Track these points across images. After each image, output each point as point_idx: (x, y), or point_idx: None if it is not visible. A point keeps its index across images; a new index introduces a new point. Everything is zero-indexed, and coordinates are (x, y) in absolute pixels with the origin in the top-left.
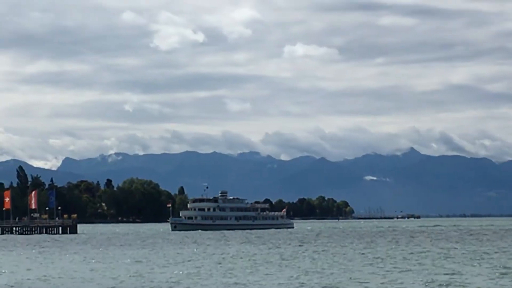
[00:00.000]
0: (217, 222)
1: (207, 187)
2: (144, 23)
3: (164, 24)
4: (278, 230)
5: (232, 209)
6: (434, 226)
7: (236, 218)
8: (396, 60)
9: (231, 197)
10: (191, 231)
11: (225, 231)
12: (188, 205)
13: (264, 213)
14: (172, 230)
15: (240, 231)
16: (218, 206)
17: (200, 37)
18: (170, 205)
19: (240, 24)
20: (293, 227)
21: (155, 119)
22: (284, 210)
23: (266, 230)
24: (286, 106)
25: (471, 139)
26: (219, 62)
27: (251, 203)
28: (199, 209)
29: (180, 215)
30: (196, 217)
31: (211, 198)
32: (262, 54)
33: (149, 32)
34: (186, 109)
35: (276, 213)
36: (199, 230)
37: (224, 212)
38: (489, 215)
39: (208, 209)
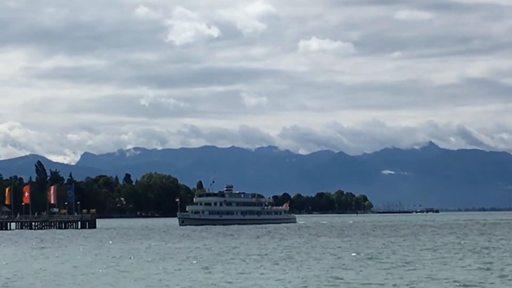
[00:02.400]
0: (224, 217)
1: (213, 181)
2: (159, 18)
3: (178, 19)
4: (279, 225)
5: (238, 204)
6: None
7: (242, 213)
8: (413, 54)
9: (237, 192)
10: (198, 226)
11: (232, 226)
12: (194, 200)
13: (268, 207)
14: (180, 225)
15: (239, 226)
16: (225, 200)
17: (214, 31)
18: (178, 200)
19: (255, 18)
20: (295, 222)
21: (172, 114)
22: (286, 204)
23: (265, 225)
24: (303, 100)
25: (489, 133)
26: (236, 57)
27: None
28: (206, 204)
29: (187, 209)
30: (203, 212)
31: (217, 192)
32: (278, 48)
33: (163, 27)
34: (203, 104)
35: (280, 207)
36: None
37: (230, 207)
38: (509, 209)
39: (215, 204)
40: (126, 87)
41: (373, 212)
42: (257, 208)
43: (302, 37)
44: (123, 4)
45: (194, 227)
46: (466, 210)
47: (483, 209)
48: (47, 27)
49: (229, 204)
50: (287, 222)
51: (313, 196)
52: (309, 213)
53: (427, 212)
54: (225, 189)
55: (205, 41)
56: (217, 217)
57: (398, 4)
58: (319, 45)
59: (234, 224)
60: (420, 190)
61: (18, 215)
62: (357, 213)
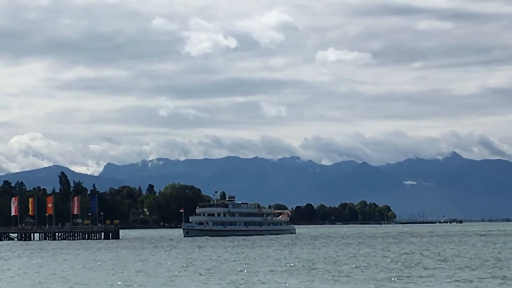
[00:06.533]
0: (228, 227)
1: (216, 192)
2: (175, 29)
3: (195, 30)
4: (278, 236)
5: (241, 214)
6: None
7: (245, 224)
8: (434, 64)
9: (239, 202)
10: (202, 237)
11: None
12: (197, 210)
13: (269, 218)
14: (185, 236)
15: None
16: (228, 211)
17: (232, 42)
18: (182, 210)
19: (272, 29)
20: (294, 233)
21: (193, 124)
22: (284, 215)
23: (266, 235)
24: (324, 110)
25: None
26: (256, 67)
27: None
28: (209, 214)
29: (190, 220)
30: (207, 223)
31: (219, 203)
32: (298, 59)
33: (180, 38)
34: (224, 114)
35: (280, 218)
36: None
37: (234, 217)
38: None
39: (219, 214)
40: (146, 97)
41: (396, 223)
42: (259, 219)
43: (320, 48)
44: (140, 15)
45: (198, 237)
46: (490, 220)
47: (507, 220)
48: (67, 38)
49: (233, 214)
50: (287, 233)
51: (336, 206)
52: (332, 224)
53: (450, 222)
54: (227, 199)
55: (222, 51)
56: (221, 227)
57: (418, 14)
58: (336, 56)
59: (237, 235)
60: (443, 200)
61: (47, 226)
62: (380, 223)
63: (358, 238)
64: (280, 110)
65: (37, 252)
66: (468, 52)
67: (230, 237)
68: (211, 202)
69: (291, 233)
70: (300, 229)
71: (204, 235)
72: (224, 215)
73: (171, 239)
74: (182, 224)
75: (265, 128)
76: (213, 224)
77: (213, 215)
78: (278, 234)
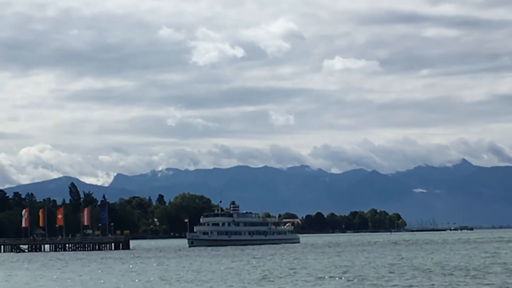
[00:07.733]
0: (233, 237)
1: (221, 201)
2: (182, 39)
3: (202, 40)
4: (284, 245)
5: (246, 224)
6: None
7: (250, 233)
8: (442, 71)
9: (244, 211)
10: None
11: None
12: (201, 220)
13: (273, 227)
14: (190, 246)
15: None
16: (233, 221)
17: (238, 52)
18: (187, 220)
19: (278, 37)
20: (299, 242)
21: (202, 134)
22: (289, 224)
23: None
24: (332, 119)
25: None
26: (264, 76)
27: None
28: (214, 224)
29: (195, 230)
30: (212, 232)
31: (224, 212)
32: (306, 67)
33: (187, 48)
34: (232, 124)
35: (284, 227)
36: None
37: (238, 227)
38: None
39: (223, 224)
40: (154, 108)
41: (406, 231)
42: (264, 228)
43: (327, 56)
44: (147, 25)
45: (202, 248)
46: (500, 227)
47: None
48: (74, 49)
49: (237, 224)
50: (291, 242)
51: (346, 215)
52: (342, 232)
53: (461, 229)
54: (231, 208)
55: (229, 61)
56: (226, 237)
57: (426, 21)
58: (343, 64)
59: (242, 244)
60: (453, 207)
61: (60, 237)
62: (390, 231)
63: (355, 247)
64: (289, 119)
65: (24, 264)
66: (476, 59)
67: (230, 246)
68: (216, 211)
69: (295, 242)
70: (308, 238)
71: (209, 245)
72: (229, 224)
73: (162, 251)
74: (187, 234)
75: (274, 137)
76: (218, 234)
77: (217, 224)
78: (282, 243)
